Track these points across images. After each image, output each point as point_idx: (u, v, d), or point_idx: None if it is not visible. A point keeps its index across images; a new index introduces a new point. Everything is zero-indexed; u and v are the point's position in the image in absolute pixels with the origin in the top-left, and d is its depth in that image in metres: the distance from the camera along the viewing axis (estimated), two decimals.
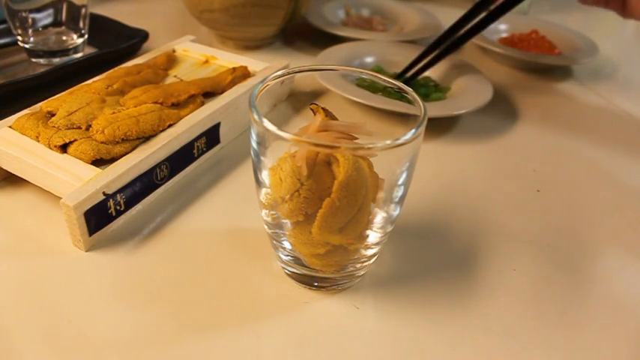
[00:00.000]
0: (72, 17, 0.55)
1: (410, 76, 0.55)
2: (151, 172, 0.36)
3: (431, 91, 0.55)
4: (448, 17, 0.77)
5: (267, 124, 0.25)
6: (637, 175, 0.47)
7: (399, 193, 0.28)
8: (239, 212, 0.38)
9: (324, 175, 0.26)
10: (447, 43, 0.54)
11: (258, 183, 0.29)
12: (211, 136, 0.42)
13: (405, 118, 0.30)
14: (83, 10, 0.55)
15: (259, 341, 0.28)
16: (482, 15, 0.53)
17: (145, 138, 0.38)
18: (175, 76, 0.48)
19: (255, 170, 0.29)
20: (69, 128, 0.36)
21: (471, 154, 0.48)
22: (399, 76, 0.56)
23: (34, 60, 0.55)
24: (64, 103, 0.39)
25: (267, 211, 0.29)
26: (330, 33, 0.66)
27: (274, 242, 0.31)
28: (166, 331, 0.28)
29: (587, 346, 0.30)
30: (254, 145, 0.28)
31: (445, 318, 0.31)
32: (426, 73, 0.58)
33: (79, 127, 0.37)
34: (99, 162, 0.35)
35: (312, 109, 0.28)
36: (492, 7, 0.52)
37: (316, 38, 0.68)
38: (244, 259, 0.34)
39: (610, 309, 0.33)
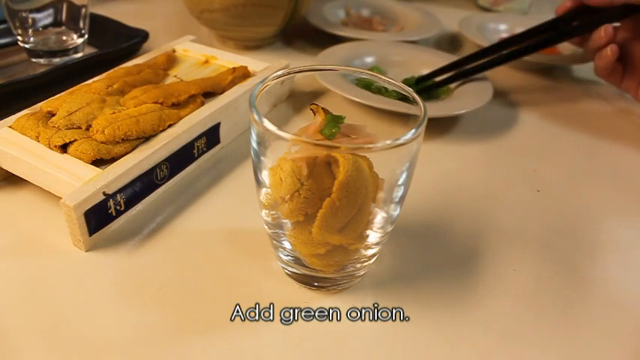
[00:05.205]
0: (72, 17, 0.55)
1: (433, 85, 0.54)
2: (151, 172, 0.36)
3: (431, 91, 0.54)
4: (448, 17, 0.78)
5: (267, 124, 0.25)
6: (637, 175, 0.47)
7: (399, 193, 0.28)
8: (239, 212, 0.38)
9: (324, 175, 0.26)
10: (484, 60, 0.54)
11: (258, 183, 0.29)
12: (211, 136, 0.42)
13: (405, 118, 0.30)
14: (83, 10, 0.55)
15: (259, 341, 0.28)
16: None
17: (145, 138, 0.38)
18: (175, 76, 0.48)
19: (255, 170, 0.29)
20: (69, 128, 0.36)
21: (471, 154, 0.48)
22: (421, 80, 0.55)
23: (34, 60, 0.55)
24: (64, 103, 0.39)
25: (267, 211, 0.29)
26: (330, 33, 0.66)
27: (274, 242, 0.31)
28: (166, 331, 0.28)
29: (587, 345, 0.30)
30: (254, 145, 0.28)
31: (445, 318, 0.31)
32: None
33: (79, 127, 0.37)
34: (99, 162, 0.35)
35: (312, 109, 0.28)
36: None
37: (316, 38, 0.68)
38: (244, 259, 0.34)
39: (610, 309, 0.33)
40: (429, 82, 0.54)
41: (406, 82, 0.55)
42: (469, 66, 0.54)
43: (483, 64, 0.54)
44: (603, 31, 0.50)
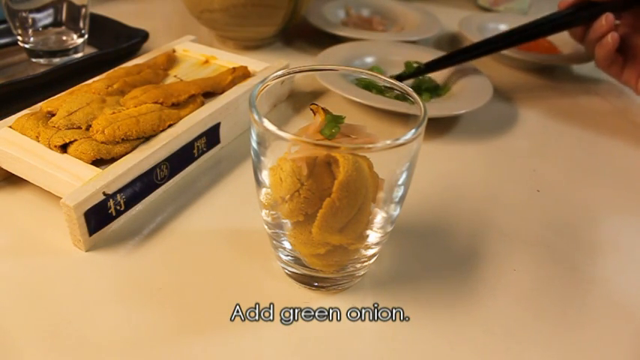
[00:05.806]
0: (72, 17, 0.55)
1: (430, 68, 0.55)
2: (151, 172, 0.36)
3: (431, 91, 0.54)
4: (448, 17, 0.78)
5: (267, 124, 0.25)
6: (637, 175, 0.47)
7: (399, 193, 0.28)
8: (239, 212, 0.38)
9: (324, 175, 0.26)
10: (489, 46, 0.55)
11: (258, 183, 0.29)
12: (211, 136, 0.42)
13: (405, 118, 0.30)
14: (83, 10, 0.55)
15: (259, 341, 0.28)
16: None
17: (145, 138, 0.38)
18: (175, 76, 0.48)
19: (255, 170, 0.29)
20: (69, 128, 0.36)
21: (471, 154, 0.48)
22: (421, 68, 0.55)
23: (34, 60, 0.55)
24: (64, 103, 0.39)
25: (267, 211, 0.29)
26: (330, 33, 0.66)
27: (274, 242, 0.31)
28: (166, 331, 0.28)
29: (587, 345, 0.30)
30: (254, 145, 0.28)
31: (445, 318, 0.31)
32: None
33: (79, 127, 0.37)
34: (99, 162, 0.35)
35: (312, 109, 0.28)
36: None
37: (316, 38, 0.68)
38: (244, 259, 0.34)
39: (610, 309, 0.33)
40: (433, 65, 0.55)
41: (409, 67, 0.55)
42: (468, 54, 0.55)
43: (483, 50, 0.55)
44: (604, 20, 0.49)
